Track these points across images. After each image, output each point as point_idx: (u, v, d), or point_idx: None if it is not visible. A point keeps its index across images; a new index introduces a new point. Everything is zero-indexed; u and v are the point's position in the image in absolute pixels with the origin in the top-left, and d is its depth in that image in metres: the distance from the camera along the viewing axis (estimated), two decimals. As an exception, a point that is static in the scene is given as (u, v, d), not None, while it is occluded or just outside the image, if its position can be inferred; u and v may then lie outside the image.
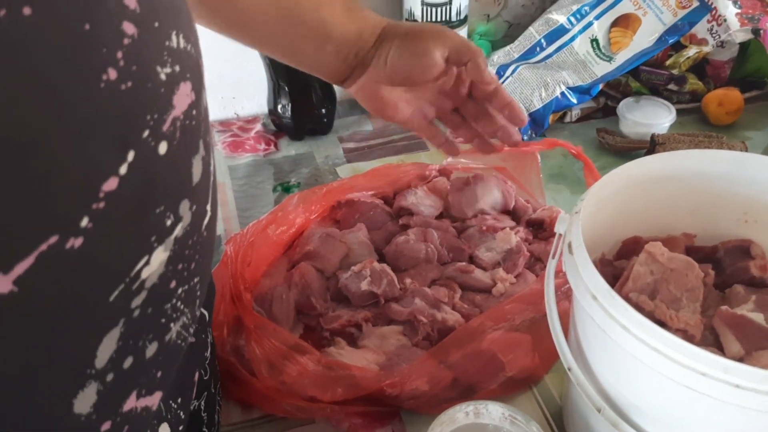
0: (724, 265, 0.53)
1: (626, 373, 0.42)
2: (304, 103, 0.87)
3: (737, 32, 0.89)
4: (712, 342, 0.47)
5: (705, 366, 0.36)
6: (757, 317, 0.47)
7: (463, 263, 0.65)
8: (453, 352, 0.57)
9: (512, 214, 0.74)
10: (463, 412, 0.42)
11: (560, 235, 0.48)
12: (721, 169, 0.52)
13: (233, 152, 0.89)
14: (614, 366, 0.43)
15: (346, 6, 0.56)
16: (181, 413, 0.41)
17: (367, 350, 0.59)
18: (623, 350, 0.40)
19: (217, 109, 0.97)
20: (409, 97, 0.60)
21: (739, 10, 0.90)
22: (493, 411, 0.42)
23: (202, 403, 0.48)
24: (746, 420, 0.38)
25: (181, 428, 0.40)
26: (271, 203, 0.79)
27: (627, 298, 0.48)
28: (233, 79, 0.95)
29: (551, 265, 0.48)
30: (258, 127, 0.94)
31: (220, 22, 0.54)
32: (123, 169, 0.25)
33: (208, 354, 0.49)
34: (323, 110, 0.89)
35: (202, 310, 0.48)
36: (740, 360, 0.45)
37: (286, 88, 0.86)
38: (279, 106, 0.88)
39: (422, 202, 0.71)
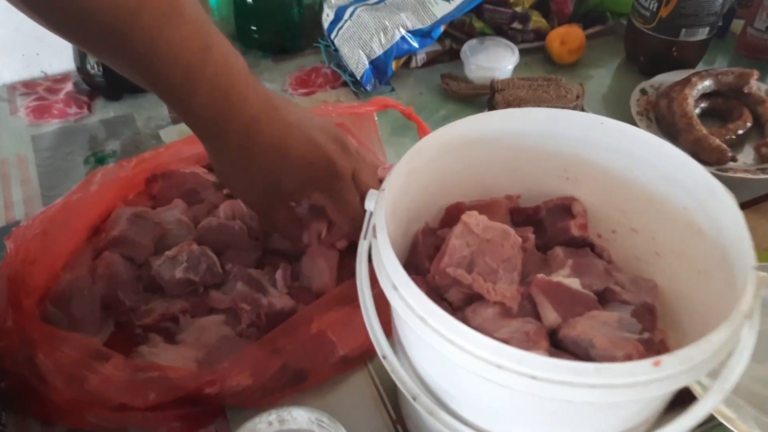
0: (546, 225, 0.51)
1: (434, 362, 0.40)
2: (115, 58, 0.76)
3: (577, -34, 0.87)
4: (530, 311, 0.45)
5: (500, 357, 0.33)
6: (573, 282, 0.45)
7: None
8: (282, 339, 0.53)
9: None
10: (265, 423, 0.38)
11: (371, 213, 0.44)
12: (540, 128, 0.49)
13: (38, 119, 0.77)
14: (424, 354, 0.40)
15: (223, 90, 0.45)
16: None
17: (185, 346, 0.53)
18: (426, 341, 0.37)
19: (18, 68, 0.84)
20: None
21: (578, -57, 0.88)
22: (298, 417, 0.38)
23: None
24: (550, 408, 0.36)
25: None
26: (82, 177, 0.70)
27: (444, 273, 0.45)
28: (35, 32, 0.81)
29: (362, 247, 0.44)
30: (69, 87, 0.82)
31: None
32: None
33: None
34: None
35: None
36: (557, 328, 0.44)
37: (92, 42, 0.75)
38: (88, 64, 0.77)
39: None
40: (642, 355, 0.42)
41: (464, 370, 0.35)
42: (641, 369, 0.33)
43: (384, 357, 0.42)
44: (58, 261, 0.57)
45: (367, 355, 0.56)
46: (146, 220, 0.59)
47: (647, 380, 0.33)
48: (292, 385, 0.53)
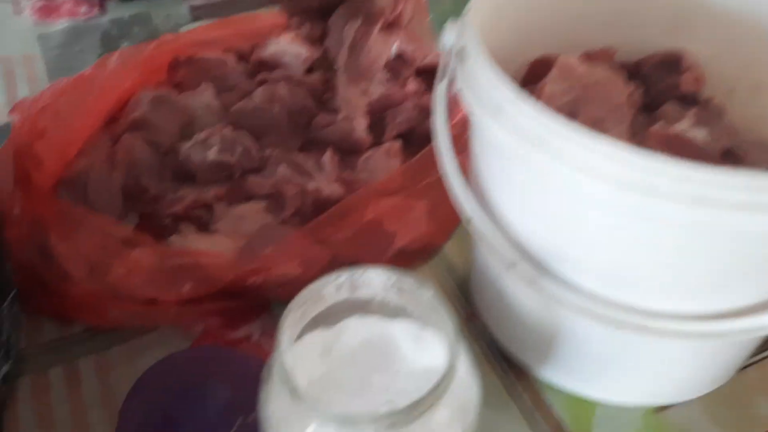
0: (650, 82, 0.43)
1: (547, 209, 0.32)
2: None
3: None
4: (644, 171, 0.37)
5: (658, 175, 0.26)
6: (698, 134, 0.37)
7: (339, 114, 0.52)
8: (330, 228, 0.45)
9: (399, 63, 0.61)
10: (333, 286, 0.31)
11: (447, 52, 0.36)
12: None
13: (45, 18, 0.69)
14: (531, 204, 0.33)
15: None
16: None
17: (221, 236, 0.46)
18: (542, 176, 0.29)
19: (21, -32, 0.75)
20: None
21: None
22: (374, 279, 0.31)
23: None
24: (715, 251, 0.29)
25: None
26: (96, 75, 0.62)
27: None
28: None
29: (439, 89, 0.36)
30: (78, -13, 0.74)
31: None
32: None
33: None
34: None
35: None
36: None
37: (103, -72, 0.67)
38: (98, -45, 0.69)
39: (287, 51, 0.57)
40: None
41: (596, 207, 0.28)
42: None
43: (470, 220, 0.35)
44: (71, 148, 0.49)
45: (428, 249, 0.48)
46: (171, 103, 0.51)
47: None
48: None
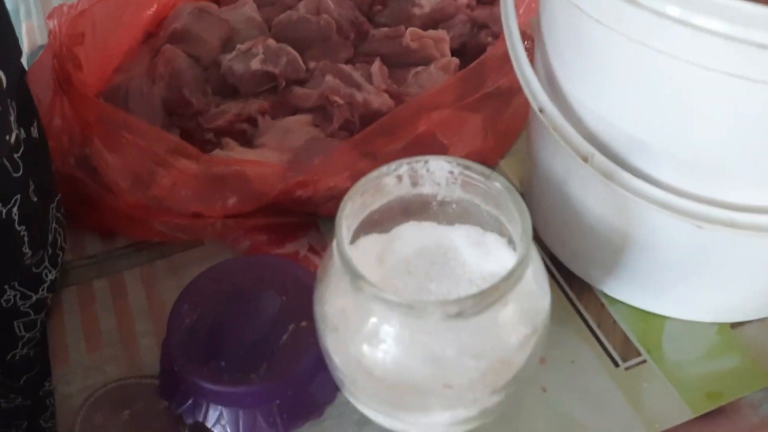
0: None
1: (632, 93, 0.29)
2: None
3: None
4: None
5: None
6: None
7: (389, 28, 0.49)
8: (381, 140, 0.43)
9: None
10: (394, 176, 0.28)
11: None
12: None
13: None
14: (611, 92, 0.30)
15: None
16: None
17: (267, 149, 0.44)
18: (631, 49, 0.26)
19: None
20: None
21: None
22: (436, 170, 0.28)
23: (15, 210, 0.33)
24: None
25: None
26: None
27: None
28: None
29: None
30: None
31: None
32: None
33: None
34: None
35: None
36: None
37: None
38: None
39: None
40: None
41: (692, 79, 0.25)
42: None
43: (542, 110, 0.32)
44: (110, 61, 0.47)
45: (484, 166, 0.46)
46: (212, 15, 0.49)
47: None
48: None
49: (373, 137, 0.43)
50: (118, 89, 0.45)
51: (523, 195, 0.43)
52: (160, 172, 0.40)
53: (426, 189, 0.30)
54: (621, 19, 0.25)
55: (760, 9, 0.22)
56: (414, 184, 0.30)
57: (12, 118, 0.32)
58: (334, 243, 0.26)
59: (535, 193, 0.41)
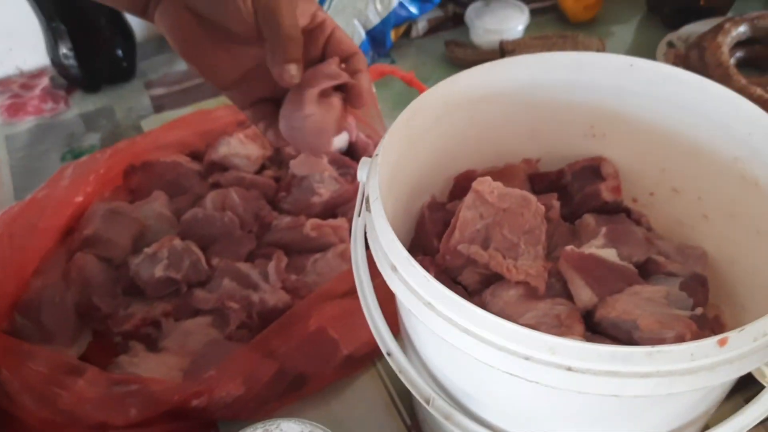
0: (571, 191, 0.44)
1: (449, 357, 0.33)
2: (90, 44, 0.71)
3: None
4: (560, 291, 0.39)
5: (527, 347, 0.27)
6: (609, 254, 0.38)
7: (289, 218, 0.53)
8: (275, 340, 0.47)
9: (352, 153, 0.63)
10: (250, 440, 0.32)
11: (362, 188, 0.37)
12: (560, 76, 0.42)
13: (12, 117, 0.72)
14: (436, 349, 0.34)
15: None
16: None
17: (169, 353, 0.47)
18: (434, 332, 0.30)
19: (-9, 65, 0.78)
20: (239, 53, 0.40)
21: None
22: (287, 430, 0.32)
23: None
24: (591, 405, 0.30)
25: None
26: (60, 177, 0.64)
27: (455, 252, 0.38)
28: (5, 27, 0.76)
29: (357, 225, 0.38)
30: (45, 82, 0.76)
31: None
32: None
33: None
34: (119, 51, 0.73)
35: None
36: (593, 308, 0.37)
37: (64, 27, 0.69)
38: (61, 53, 0.71)
39: (238, 152, 0.58)
40: (696, 335, 0.35)
41: (484, 365, 0.29)
42: (703, 350, 0.26)
43: (389, 354, 0.36)
44: (27, 267, 0.51)
45: (374, 353, 0.49)
46: (123, 215, 0.53)
47: (711, 363, 0.26)
48: (290, 392, 0.46)
49: (270, 338, 0.46)
50: (33, 299, 0.49)
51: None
52: (62, 391, 0.43)
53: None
54: (421, 307, 0.30)
55: (521, 329, 0.27)
56: (270, 441, 0.33)
57: None
58: None
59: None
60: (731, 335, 0.27)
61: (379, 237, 0.32)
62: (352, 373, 0.48)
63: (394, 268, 0.31)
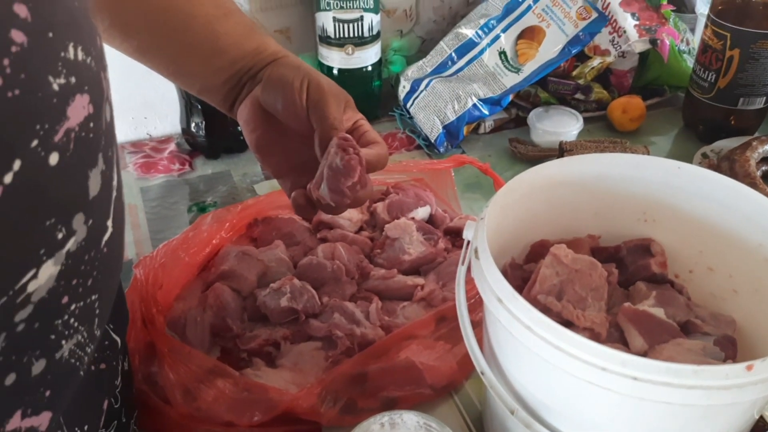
0: (626, 263, 0.55)
1: (534, 373, 0.43)
2: (217, 120, 0.85)
3: (636, 43, 0.94)
4: (618, 338, 0.49)
5: (604, 360, 0.37)
6: (658, 312, 0.49)
7: (383, 270, 0.65)
8: (369, 364, 0.57)
9: (431, 223, 0.75)
10: (378, 424, 0.42)
11: (468, 241, 0.48)
12: (620, 172, 0.54)
13: (145, 173, 0.86)
14: (523, 367, 0.44)
15: (248, 26, 0.54)
16: None
17: (285, 369, 0.58)
18: (529, 350, 0.41)
19: (128, 130, 0.94)
20: (294, 147, 0.53)
21: (637, 22, 0.95)
22: (408, 421, 0.42)
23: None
24: (649, 413, 0.39)
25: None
26: (186, 224, 0.77)
27: (535, 300, 0.49)
28: (143, 98, 0.92)
29: (461, 272, 0.49)
30: (172, 147, 0.91)
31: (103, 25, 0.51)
32: (8, 178, 0.25)
33: (118, 382, 0.47)
34: (238, 127, 0.87)
35: (114, 335, 0.46)
36: (644, 354, 0.47)
37: (199, 106, 0.84)
38: (192, 125, 0.86)
39: (342, 215, 0.71)
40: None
41: (567, 375, 0.39)
42: (735, 372, 0.36)
43: (482, 373, 0.46)
44: (172, 292, 0.63)
45: (452, 386, 0.59)
46: (251, 257, 0.65)
47: (741, 383, 0.36)
48: (385, 410, 0.56)
49: (363, 361, 0.57)
50: (179, 318, 0.60)
51: (482, 412, 0.56)
52: (205, 389, 0.54)
53: (401, 430, 0.43)
54: (522, 330, 0.40)
55: (600, 347, 0.37)
56: (392, 427, 0.43)
57: (121, 369, 0.46)
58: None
59: (488, 415, 0.54)
60: (756, 363, 0.37)
61: (487, 277, 0.43)
62: (433, 401, 0.58)
63: (499, 301, 0.42)
